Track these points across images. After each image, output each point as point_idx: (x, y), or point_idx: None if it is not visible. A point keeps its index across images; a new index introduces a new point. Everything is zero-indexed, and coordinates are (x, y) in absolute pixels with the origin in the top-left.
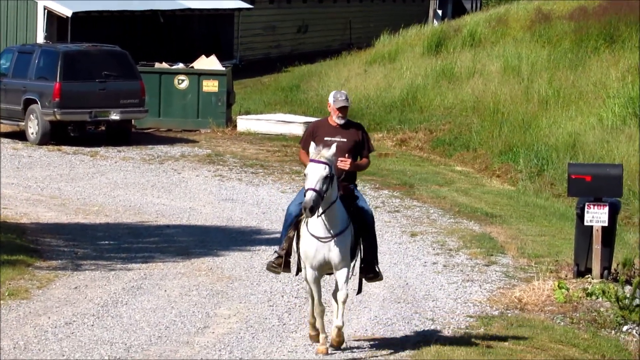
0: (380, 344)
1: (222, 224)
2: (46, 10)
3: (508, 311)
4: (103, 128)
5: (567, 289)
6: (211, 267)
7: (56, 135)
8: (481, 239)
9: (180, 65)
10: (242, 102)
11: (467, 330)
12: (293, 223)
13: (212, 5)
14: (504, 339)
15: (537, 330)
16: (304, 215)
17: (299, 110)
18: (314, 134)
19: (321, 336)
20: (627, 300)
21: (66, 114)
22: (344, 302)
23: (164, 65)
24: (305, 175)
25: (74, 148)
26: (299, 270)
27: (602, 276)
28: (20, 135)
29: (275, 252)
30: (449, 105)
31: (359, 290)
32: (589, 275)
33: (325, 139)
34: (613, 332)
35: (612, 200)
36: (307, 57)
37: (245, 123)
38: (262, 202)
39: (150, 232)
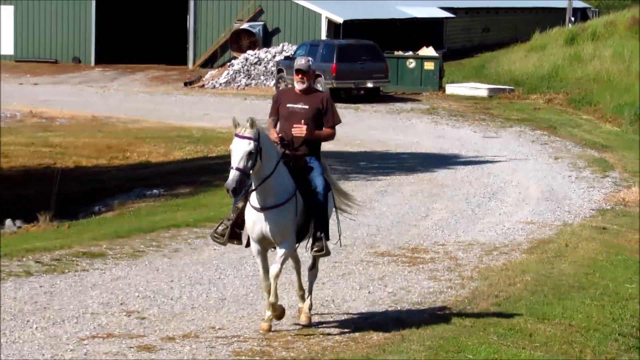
0: (535, 226)
1: (436, 151)
2: (327, 19)
3: (616, 206)
4: (362, 92)
5: None
6: (430, 178)
7: (333, 96)
8: (599, 161)
9: (410, 53)
10: (449, 75)
11: (590, 218)
12: (243, 195)
13: (431, 14)
14: (614, 223)
15: (634, 218)
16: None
17: (484, 80)
18: (278, 101)
19: (266, 314)
20: None
21: (340, 83)
22: (275, 277)
23: (400, 52)
24: (230, 151)
25: (344, 104)
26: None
27: None
28: None
29: (222, 221)
30: (579, 77)
31: (312, 266)
32: None
33: (287, 105)
34: None
35: None
36: (488, 47)
37: (450, 89)
38: (461, 138)
39: (391, 157)
